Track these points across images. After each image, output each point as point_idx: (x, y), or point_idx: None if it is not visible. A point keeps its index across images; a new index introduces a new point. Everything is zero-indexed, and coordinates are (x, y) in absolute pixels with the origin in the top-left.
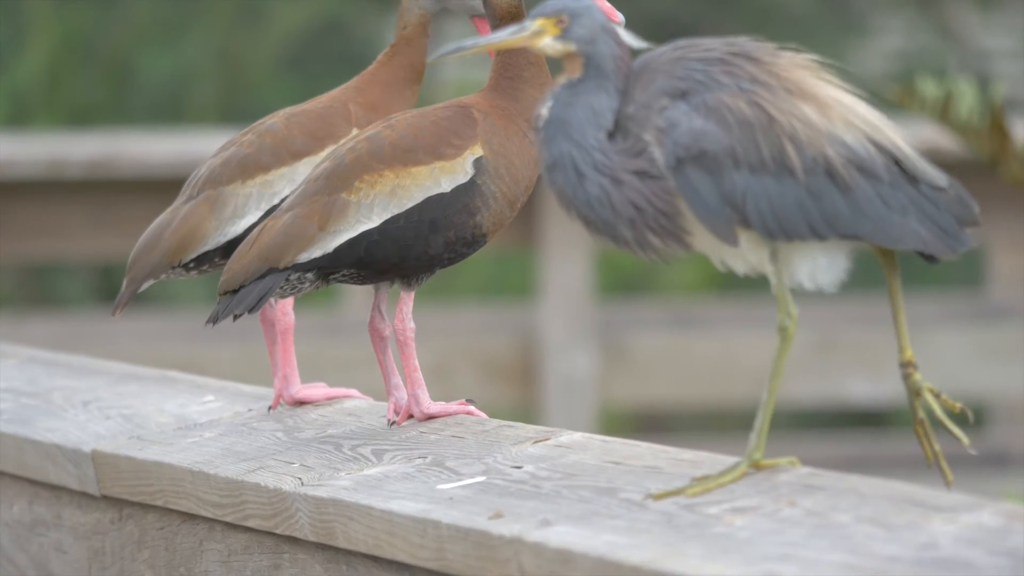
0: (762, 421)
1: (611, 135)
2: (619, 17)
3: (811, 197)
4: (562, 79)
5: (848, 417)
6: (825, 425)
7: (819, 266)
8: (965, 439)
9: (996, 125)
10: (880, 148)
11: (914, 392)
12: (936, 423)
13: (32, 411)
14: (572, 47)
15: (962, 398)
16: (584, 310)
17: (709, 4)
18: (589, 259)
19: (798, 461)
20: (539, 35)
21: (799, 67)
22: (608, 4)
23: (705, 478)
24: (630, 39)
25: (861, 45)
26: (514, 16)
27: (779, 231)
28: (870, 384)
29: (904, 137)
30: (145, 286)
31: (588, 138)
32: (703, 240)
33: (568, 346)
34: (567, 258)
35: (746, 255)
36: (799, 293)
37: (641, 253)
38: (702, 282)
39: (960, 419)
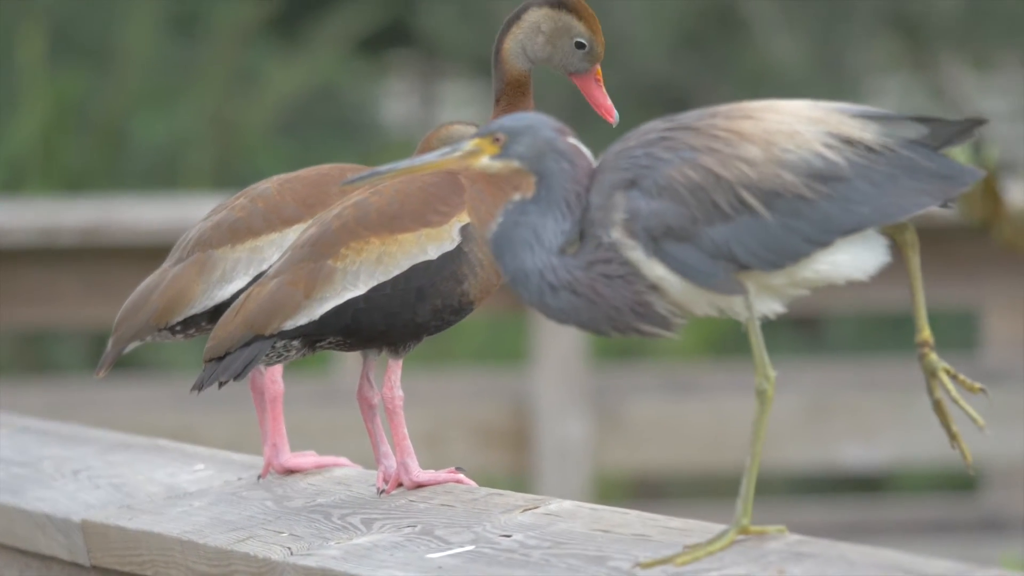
0: (747, 487)
1: (577, 244)
2: (614, 117)
3: (795, 218)
4: (516, 195)
5: (842, 483)
6: (819, 491)
7: (857, 256)
8: (980, 420)
9: (989, 188)
10: (843, 141)
11: (930, 372)
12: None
13: (22, 480)
14: (515, 164)
15: (957, 462)
16: (577, 376)
17: (703, 69)
18: None
19: (786, 529)
20: (474, 155)
21: (736, 117)
22: (608, 103)
23: (694, 546)
24: (586, 153)
25: None
26: (520, 86)
27: (780, 258)
28: (863, 449)
29: (862, 112)
30: (131, 348)
31: (538, 257)
32: (701, 307)
33: (561, 412)
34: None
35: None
36: (795, 349)
37: (636, 336)
38: (697, 347)
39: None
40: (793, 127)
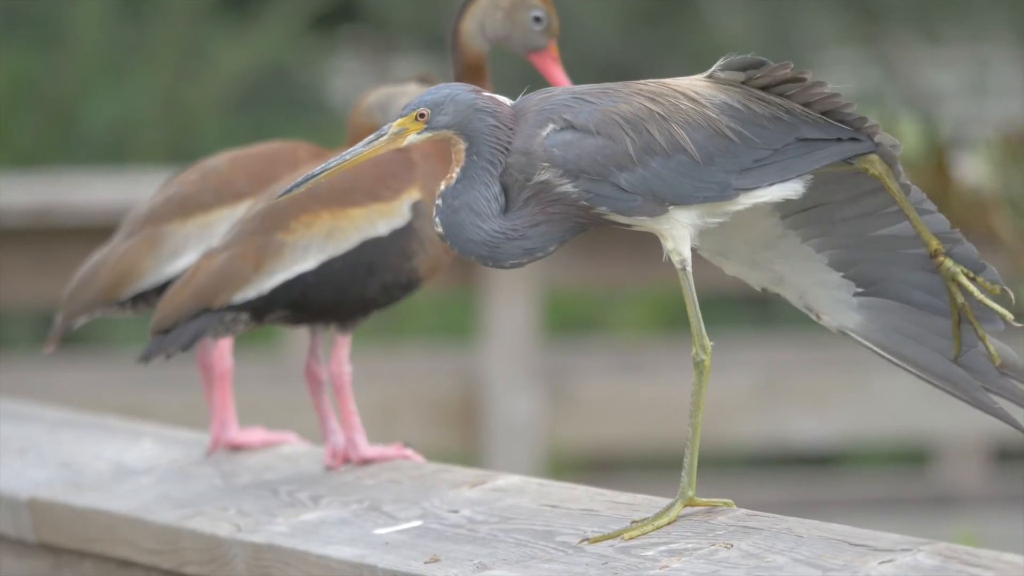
0: (690, 458)
1: (507, 192)
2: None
3: (718, 155)
4: (442, 184)
5: (794, 459)
6: (771, 467)
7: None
8: (1009, 314)
9: (939, 165)
10: (758, 98)
11: (949, 278)
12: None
13: None
14: (445, 133)
15: (910, 439)
16: (528, 352)
17: (654, 47)
18: (533, 301)
19: (733, 503)
20: (400, 136)
21: (658, 80)
22: (565, 81)
23: (642, 520)
24: (505, 101)
25: None
26: (478, 68)
27: (691, 195)
28: (816, 425)
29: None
30: (80, 322)
31: (486, 229)
32: (640, 228)
33: (512, 389)
34: (511, 300)
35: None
36: (748, 325)
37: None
38: (648, 321)
39: (1003, 300)
40: (715, 85)
